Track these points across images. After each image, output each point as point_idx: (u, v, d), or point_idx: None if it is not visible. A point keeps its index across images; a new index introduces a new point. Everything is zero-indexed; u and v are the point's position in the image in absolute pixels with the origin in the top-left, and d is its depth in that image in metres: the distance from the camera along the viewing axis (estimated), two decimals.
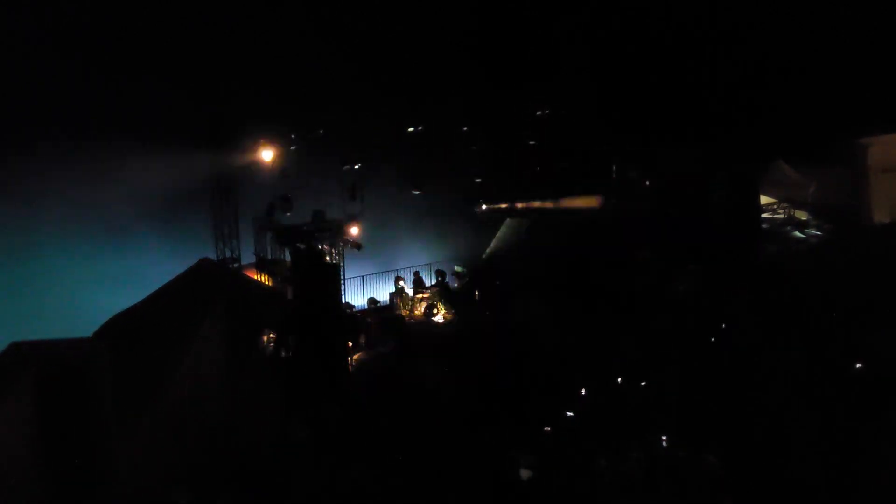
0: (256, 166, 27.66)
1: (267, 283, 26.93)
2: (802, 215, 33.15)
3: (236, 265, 27.98)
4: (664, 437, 18.87)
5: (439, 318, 28.27)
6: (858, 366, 22.21)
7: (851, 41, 31.32)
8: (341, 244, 26.03)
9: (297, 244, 25.17)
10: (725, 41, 31.17)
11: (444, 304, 28.54)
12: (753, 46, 31.25)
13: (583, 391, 22.35)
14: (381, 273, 29.51)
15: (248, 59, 28.25)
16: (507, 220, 31.68)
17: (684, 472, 17.77)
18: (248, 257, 27.93)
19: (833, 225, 32.30)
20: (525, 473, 18.28)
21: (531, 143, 31.22)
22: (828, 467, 17.86)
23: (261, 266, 27.23)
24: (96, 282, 27.78)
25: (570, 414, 21.09)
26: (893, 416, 19.65)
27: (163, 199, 28.55)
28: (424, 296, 28.76)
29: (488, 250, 31.43)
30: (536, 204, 31.16)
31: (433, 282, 29.41)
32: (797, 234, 32.45)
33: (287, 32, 28.67)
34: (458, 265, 30.07)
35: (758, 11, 31.28)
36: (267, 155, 27.49)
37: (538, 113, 30.94)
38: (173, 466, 18.37)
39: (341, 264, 25.87)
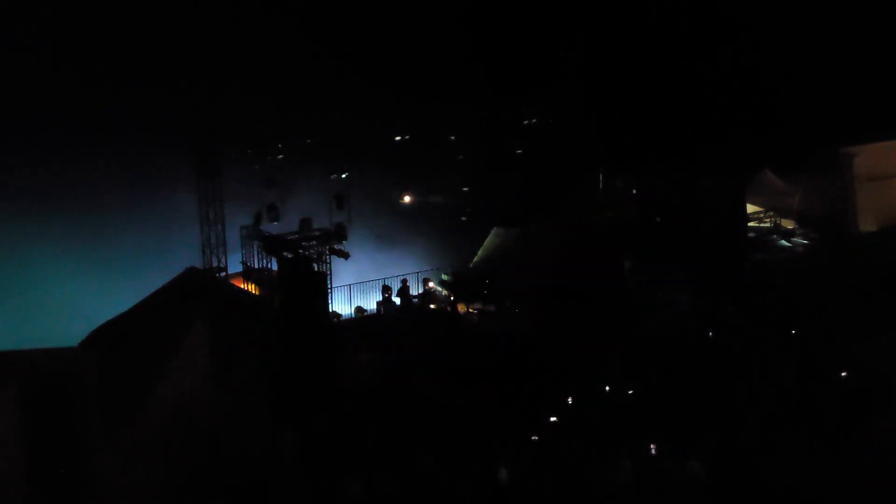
0: (244, 175, 27.62)
1: (254, 291, 26.88)
2: (788, 224, 33.31)
3: (223, 274, 27.93)
4: (652, 445, 18.89)
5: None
6: (843, 374, 22.27)
7: (837, 52, 31.53)
8: (328, 253, 25.99)
9: (285, 253, 25.12)
10: (713, 52, 31.30)
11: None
12: (740, 58, 31.40)
13: (569, 399, 22.35)
14: (368, 282, 29.46)
15: (237, 67, 28.23)
16: (495, 228, 31.69)
17: (671, 479, 17.79)
18: (234, 266, 27.89)
19: (819, 234, 32.45)
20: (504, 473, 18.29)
21: (518, 151, 31.24)
22: (813, 474, 17.91)
23: (248, 275, 27.18)
24: (83, 290, 27.66)
25: (553, 419, 21.09)
26: (878, 424, 19.71)
27: (150, 208, 28.49)
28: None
29: (475, 259, 31.43)
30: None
31: (420, 290, 29.40)
32: (783, 242, 32.58)
33: (277, 41, 28.66)
34: (445, 274, 30.06)
35: (745, 23, 31.46)
36: (255, 163, 27.47)
37: (525, 122, 30.97)
38: (160, 476, 18.29)
39: (328, 273, 25.82)
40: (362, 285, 29.39)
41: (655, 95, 30.66)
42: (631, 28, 31.57)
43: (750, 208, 32.65)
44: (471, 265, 30.79)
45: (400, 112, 29.36)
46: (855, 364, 22.34)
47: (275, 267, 25.76)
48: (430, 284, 29.15)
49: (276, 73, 28.47)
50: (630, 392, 22.52)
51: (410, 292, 29.19)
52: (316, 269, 25.37)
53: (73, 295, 27.83)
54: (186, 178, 27.69)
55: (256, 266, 26.79)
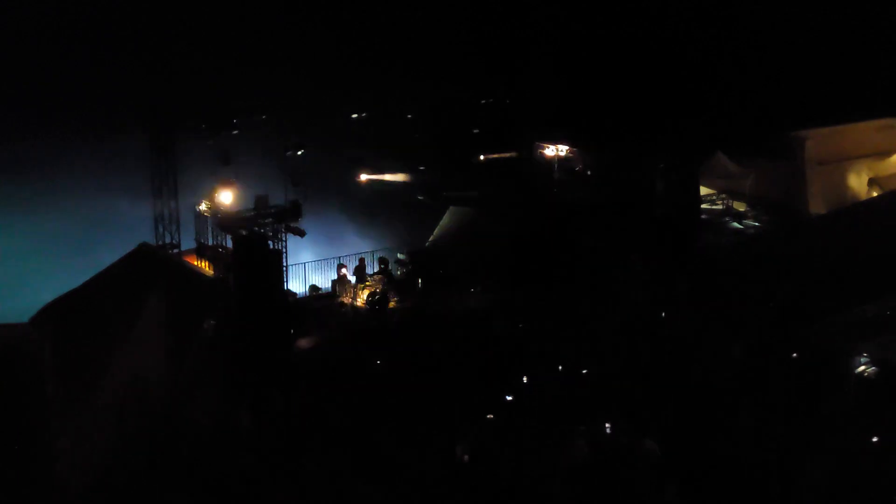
0: (198, 150, 27.29)
1: (207, 269, 26.64)
2: (740, 206, 33.56)
3: (176, 251, 27.62)
4: (608, 424, 19.07)
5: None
6: (794, 355, 22.57)
7: (789, 37, 31.84)
8: (284, 230, 25.80)
9: (240, 230, 24.90)
10: (668, 35, 31.48)
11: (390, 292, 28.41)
12: (695, 41, 31.60)
13: (524, 378, 22.46)
14: (323, 260, 29.30)
15: (191, 41, 27.87)
16: (451, 207, 31.67)
17: (627, 458, 17.97)
18: (188, 243, 27.59)
19: (770, 216, 32.76)
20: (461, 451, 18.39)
21: (475, 131, 31.19)
22: (765, 451, 18.18)
23: (201, 252, 26.90)
24: (32, 266, 27.22)
25: (509, 398, 21.20)
26: (827, 403, 20.05)
27: (101, 182, 28.06)
28: (367, 283, 28.61)
29: (431, 238, 31.40)
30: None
31: (376, 269, 29.28)
32: (735, 224, 32.87)
33: (231, 15, 28.32)
34: (401, 253, 29.96)
35: (700, 7, 31.67)
36: (209, 139, 27.14)
37: (482, 101, 30.94)
38: (114, 451, 18.14)
39: (283, 251, 25.63)
40: (317, 263, 29.23)
41: (611, 78, 30.77)
42: (587, 10, 31.66)
43: (703, 190, 32.87)
44: (427, 244, 30.76)
45: (357, 89, 29.16)
46: (804, 346, 22.62)
47: (229, 244, 25.53)
48: (343, 272, 28.78)
49: (233, 48, 28.13)
50: (584, 371, 22.68)
51: (367, 271, 29.08)
52: (271, 246, 25.19)
53: (22, 270, 27.39)
54: (139, 152, 27.29)
55: (210, 243, 26.54)
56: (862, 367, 21.60)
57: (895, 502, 16.67)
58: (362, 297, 28.19)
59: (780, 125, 32.17)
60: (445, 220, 31.74)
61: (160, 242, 27.37)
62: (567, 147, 30.42)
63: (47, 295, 22.87)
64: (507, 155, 31.21)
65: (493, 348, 24.51)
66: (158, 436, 19.01)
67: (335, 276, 28.88)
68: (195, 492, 17.65)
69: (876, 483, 16.91)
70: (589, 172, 31.56)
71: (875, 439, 18.51)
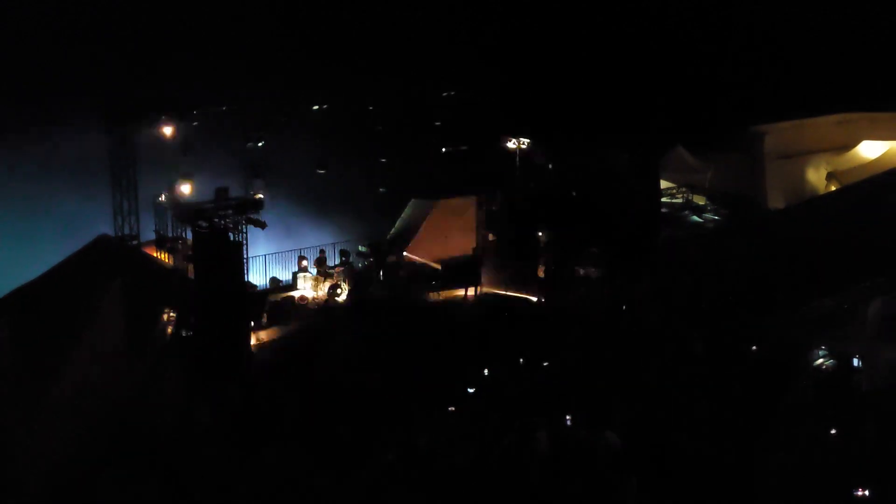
0: (158, 141, 27.01)
1: (167, 261, 26.41)
2: (700, 200, 33.81)
3: (135, 242, 27.36)
4: (568, 417, 19.13)
5: (343, 298, 28.10)
6: (753, 348, 22.73)
7: (749, 32, 32.08)
8: (244, 222, 25.62)
9: (199, 222, 24.70)
10: (626, 28, 31.59)
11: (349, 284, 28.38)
12: (655, 35, 31.73)
13: (486, 371, 22.50)
14: (284, 252, 29.16)
15: (151, 30, 27.56)
16: (413, 200, 31.62)
17: (588, 450, 18.04)
18: (147, 235, 27.35)
19: (729, 210, 33.01)
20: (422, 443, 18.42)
21: (436, 124, 31.14)
22: (724, 443, 18.33)
23: (161, 244, 26.68)
24: None
25: (470, 390, 21.24)
26: (786, 396, 20.24)
27: (60, 173, 27.65)
28: (328, 275, 28.54)
29: (393, 231, 31.36)
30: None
31: (337, 261, 29.22)
32: (695, 218, 33.09)
33: (191, 5, 28.03)
34: (363, 245, 29.90)
35: (660, 1, 31.84)
36: (168, 130, 26.86)
37: (444, 94, 30.89)
38: (72, 445, 17.94)
39: (244, 243, 25.47)
40: (278, 256, 29.11)
41: (572, 72, 30.83)
42: (546, 4, 31.71)
43: (663, 184, 33.08)
44: (388, 236, 30.71)
45: (318, 81, 28.98)
46: (763, 339, 22.80)
47: (189, 236, 25.32)
48: (304, 264, 28.69)
49: (193, 38, 27.84)
50: (545, 364, 22.74)
51: (328, 263, 28.99)
52: (231, 238, 25.02)
53: None
54: (98, 143, 26.96)
55: (170, 235, 26.31)
56: (820, 361, 21.82)
57: (853, 495, 16.84)
58: (323, 289, 28.15)
59: (739, 119, 32.44)
60: (407, 213, 31.70)
61: (119, 234, 27.13)
62: (528, 140, 30.43)
63: (4, 287, 22.52)
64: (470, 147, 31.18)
65: (454, 340, 24.57)
66: (117, 430, 18.86)
67: (296, 269, 28.81)
68: (154, 486, 17.52)
69: (834, 476, 17.10)
70: (550, 166, 31.62)
71: (833, 432, 18.70)
